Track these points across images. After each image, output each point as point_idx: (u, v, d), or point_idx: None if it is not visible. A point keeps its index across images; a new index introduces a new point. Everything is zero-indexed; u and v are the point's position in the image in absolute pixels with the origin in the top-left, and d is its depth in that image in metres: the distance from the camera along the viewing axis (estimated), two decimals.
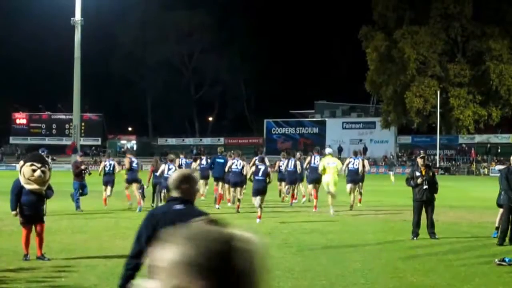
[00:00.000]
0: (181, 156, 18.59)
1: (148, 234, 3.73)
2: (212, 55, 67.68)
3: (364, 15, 53.58)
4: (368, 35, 52.37)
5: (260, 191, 13.63)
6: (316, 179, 15.91)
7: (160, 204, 15.24)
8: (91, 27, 47.95)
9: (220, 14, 66.76)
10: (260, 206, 13.57)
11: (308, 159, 16.96)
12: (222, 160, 16.85)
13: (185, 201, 3.86)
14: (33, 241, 8.61)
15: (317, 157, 16.43)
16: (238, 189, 15.77)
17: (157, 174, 15.73)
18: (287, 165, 17.65)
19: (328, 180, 14.91)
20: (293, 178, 17.48)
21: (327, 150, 16.61)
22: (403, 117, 52.29)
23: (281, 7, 68.69)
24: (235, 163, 15.68)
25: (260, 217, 13.36)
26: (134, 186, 16.47)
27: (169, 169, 15.02)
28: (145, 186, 16.87)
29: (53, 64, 60.98)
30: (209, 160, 18.31)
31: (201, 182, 17.74)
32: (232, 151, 17.66)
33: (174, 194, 3.94)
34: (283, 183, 18.23)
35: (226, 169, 16.05)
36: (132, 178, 16.52)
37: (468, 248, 9.80)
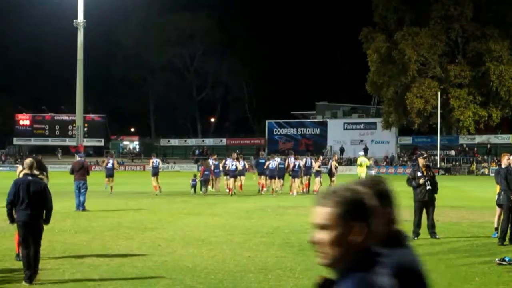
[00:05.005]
0: (212, 158, 24.78)
1: (13, 191, 7.20)
2: (213, 57, 67.76)
3: (365, 16, 53.65)
4: (368, 36, 52.35)
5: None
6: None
7: (205, 193, 22.30)
8: (94, 29, 48.04)
9: (221, 17, 66.84)
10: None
11: (288, 159, 23.15)
12: (263, 161, 24.03)
13: (32, 175, 7.34)
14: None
15: (292, 158, 22.62)
16: (276, 180, 22.21)
17: (216, 167, 23.46)
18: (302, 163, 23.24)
19: (361, 172, 22.35)
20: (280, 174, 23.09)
21: (360, 153, 25.89)
22: (404, 118, 52.28)
23: (282, 9, 68.79)
24: (271, 163, 22.10)
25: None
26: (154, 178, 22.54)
27: (232, 164, 21.95)
28: (197, 180, 22.66)
29: (56, 65, 61.12)
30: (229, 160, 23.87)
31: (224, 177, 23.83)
32: (271, 155, 25.07)
33: (26, 171, 7.39)
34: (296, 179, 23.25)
35: (265, 166, 22.59)
36: (155, 172, 22.63)
37: (468, 248, 9.85)
